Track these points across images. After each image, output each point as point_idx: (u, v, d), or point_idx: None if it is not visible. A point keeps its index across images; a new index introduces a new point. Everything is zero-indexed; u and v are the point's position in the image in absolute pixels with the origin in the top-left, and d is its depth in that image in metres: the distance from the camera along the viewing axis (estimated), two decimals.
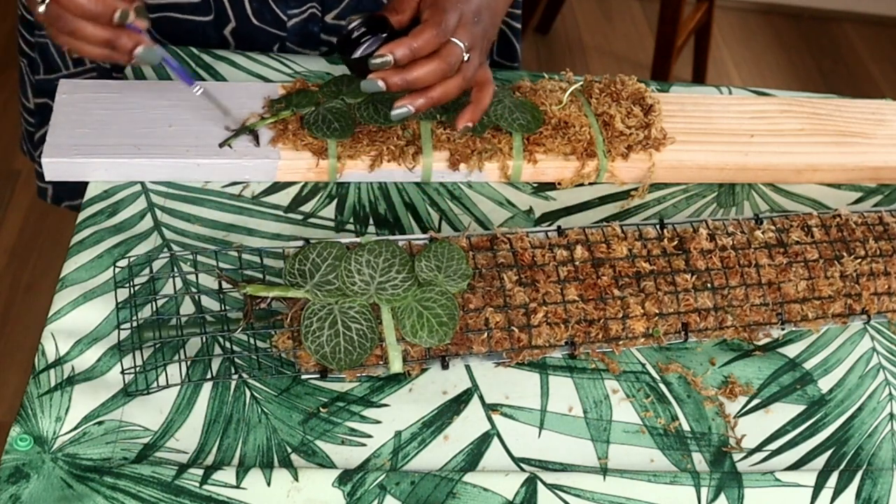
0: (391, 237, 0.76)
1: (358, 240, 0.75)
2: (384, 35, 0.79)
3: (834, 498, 0.69)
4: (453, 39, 0.79)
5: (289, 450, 0.67)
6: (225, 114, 0.84)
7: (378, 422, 0.69)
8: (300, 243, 0.75)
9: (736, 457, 0.71)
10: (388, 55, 0.77)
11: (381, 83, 0.79)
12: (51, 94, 1.07)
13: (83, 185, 0.82)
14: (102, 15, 0.74)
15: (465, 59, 0.80)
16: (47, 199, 1.15)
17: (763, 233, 0.81)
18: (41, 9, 0.75)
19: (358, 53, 0.80)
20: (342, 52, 0.82)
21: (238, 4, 0.99)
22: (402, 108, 0.80)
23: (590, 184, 0.89)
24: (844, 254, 0.81)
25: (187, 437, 0.67)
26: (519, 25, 1.14)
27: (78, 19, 0.74)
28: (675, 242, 0.79)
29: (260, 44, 1.01)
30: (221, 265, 0.74)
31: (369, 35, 0.80)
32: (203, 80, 0.92)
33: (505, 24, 1.13)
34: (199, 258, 0.75)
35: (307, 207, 0.83)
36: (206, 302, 0.74)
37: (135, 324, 0.71)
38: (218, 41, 1.01)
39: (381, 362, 0.71)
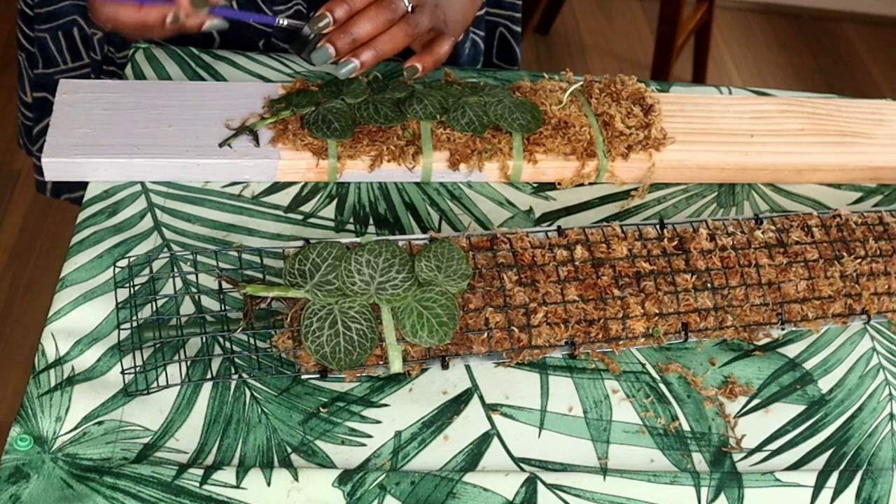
0: (391, 237, 0.76)
1: (358, 240, 0.75)
2: None
3: (834, 498, 0.69)
4: None
5: (289, 450, 0.67)
6: (310, 49, 0.82)
7: (378, 422, 0.69)
8: (300, 243, 0.75)
9: (736, 457, 0.71)
10: (326, 14, 0.78)
11: (329, 48, 0.79)
12: (49, 88, 1.08)
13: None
14: (152, 28, 0.77)
15: (409, 9, 0.80)
16: (46, 193, 1.15)
17: (763, 233, 0.81)
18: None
19: (299, 32, 0.81)
20: (289, 42, 0.83)
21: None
22: (348, 64, 0.80)
23: (590, 184, 0.89)
24: (844, 254, 0.81)
25: (187, 437, 0.67)
26: (519, 28, 1.13)
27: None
28: (675, 242, 0.79)
29: (245, 39, 1.01)
30: (221, 265, 0.74)
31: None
32: (203, 79, 0.92)
33: (504, 27, 1.13)
34: (199, 258, 0.75)
35: (307, 207, 0.83)
36: (206, 302, 0.74)
37: (135, 324, 0.71)
38: (201, 36, 1.01)
39: (381, 362, 0.71)
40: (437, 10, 0.83)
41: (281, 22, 0.82)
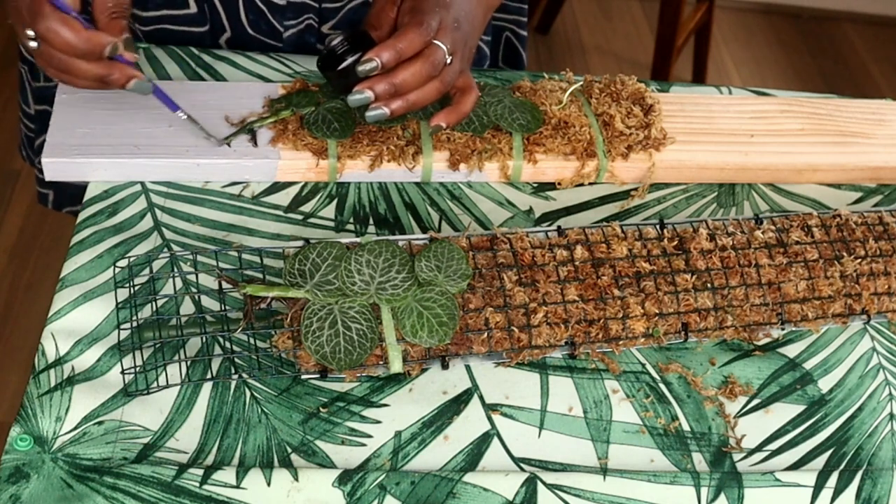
0: (391, 237, 0.76)
1: (358, 240, 0.75)
2: (368, 48, 0.79)
3: (834, 498, 0.69)
4: (435, 42, 0.78)
5: (289, 450, 0.67)
6: (207, 136, 0.83)
7: (378, 422, 0.69)
8: (300, 243, 0.75)
9: (736, 457, 0.71)
10: (374, 59, 0.77)
11: (368, 93, 0.78)
12: (51, 100, 1.07)
13: (84, 191, 0.82)
14: (92, 52, 0.74)
15: (448, 62, 0.79)
16: (48, 205, 1.15)
17: (763, 233, 0.81)
18: (32, 45, 0.75)
19: (342, 66, 0.80)
20: (324, 67, 0.82)
21: (234, 16, 0.99)
22: (377, 111, 0.79)
23: (590, 184, 0.89)
24: (844, 254, 0.81)
25: (187, 437, 0.67)
26: (525, 33, 1.13)
27: (69, 57, 0.75)
28: (675, 242, 0.79)
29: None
30: (221, 265, 0.74)
31: (352, 50, 0.80)
32: (203, 79, 0.92)
33: (511, 31, 1.13)
34: (199, 258, 0.75)
35: (307, 207, 0.83)
36: (206, 302, 0.74)
37: (135, 324, 0.71)
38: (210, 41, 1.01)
39: (381, 362, 0.71)
40: (465, 49, 0.82)
41: (181, 115, 0.82)
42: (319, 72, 0.84)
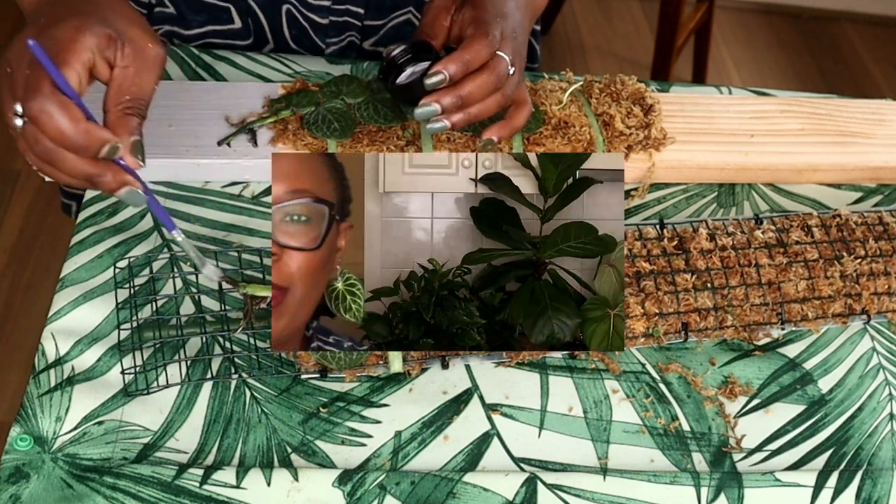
0: None
1: None
2: (431, 58, 0.78)
3: (834, 498, 0.69)
4: (499, 52, 0.77)
5: (289, 450, 0.67)
6: (199, 266, 0.68)
7: (378, 422, 0.69)
8: None
9: (736, 457, 0.71)
10: (442, 72, 0.75)
11: (435, 106, 0.76)
12: None
13: None
14: (87, 149, 0.62)
15: (511, 72, 0.78)
16: (72, 215, 1.15)
17: (763, 233, 0.81)
18: (17, 122, 0.62)
19: (403, 78, 0.78)
20: (386, 79, 0.80)
21: (277, 31, 1.00)
22: (438, 123, 0.77)
23: None
24: (844, 254, 0.81)
25: (187, 437, 0.67)
26: (539, 27, 1.13)
27: (57, 147, 0.62)
28: (675, 242, 0.79)
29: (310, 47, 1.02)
30: (221, 265, 0.74)
31: (414, 60, 0.78)
32: (203, 79, 0.92)
33: None
34: None
35: None
36: (206, 302, 0.74)
37: (135, 324, 0.71)
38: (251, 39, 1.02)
39: (381, 362, 0.71)
40: (522, 60, 0.80)
41: (176, 236, 0.67)
42: (380, 82, 0.82)
